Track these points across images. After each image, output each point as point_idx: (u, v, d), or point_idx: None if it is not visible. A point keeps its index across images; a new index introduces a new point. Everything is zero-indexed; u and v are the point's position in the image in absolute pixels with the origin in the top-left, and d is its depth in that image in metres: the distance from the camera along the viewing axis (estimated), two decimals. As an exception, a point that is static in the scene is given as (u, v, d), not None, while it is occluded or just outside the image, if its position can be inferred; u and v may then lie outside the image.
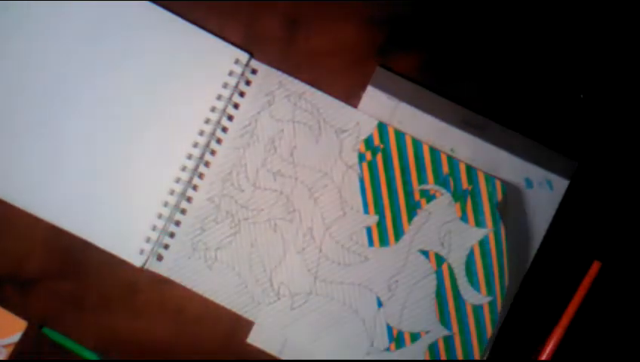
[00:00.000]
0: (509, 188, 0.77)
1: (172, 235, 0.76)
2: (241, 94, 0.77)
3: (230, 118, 0.77)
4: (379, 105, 0.78)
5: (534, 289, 0.78)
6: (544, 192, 0.78)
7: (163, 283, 0.77)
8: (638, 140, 0.79)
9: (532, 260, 0.78)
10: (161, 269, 0.76)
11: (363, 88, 0.78)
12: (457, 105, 0.78)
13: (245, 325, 0.77)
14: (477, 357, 0.76)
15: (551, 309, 0.78)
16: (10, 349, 0.75)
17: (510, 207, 0.77)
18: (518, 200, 0.78)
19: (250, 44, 0.78)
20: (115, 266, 0.76)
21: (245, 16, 0.78)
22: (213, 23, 0.78)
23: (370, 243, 0.77)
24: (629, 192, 0.79)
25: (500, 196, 0.76)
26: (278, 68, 0.77)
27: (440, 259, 0.76)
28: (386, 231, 0.76)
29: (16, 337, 0.75)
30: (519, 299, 0.77)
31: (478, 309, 0.76)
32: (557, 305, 0.78)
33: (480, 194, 0.76)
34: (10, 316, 0.76)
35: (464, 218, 0.76)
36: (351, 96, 0.78)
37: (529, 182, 0.78)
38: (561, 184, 0.78)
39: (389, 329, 0.76)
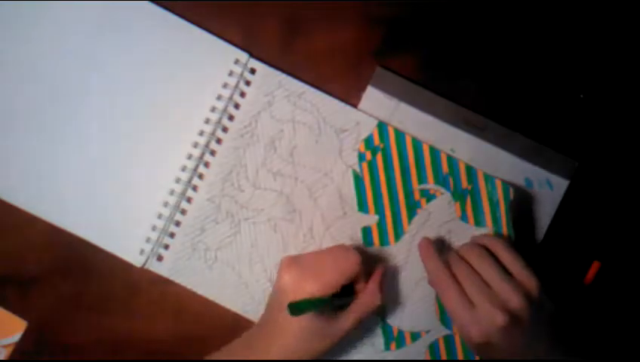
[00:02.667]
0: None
1: (172, 235, 0.76)
2: (242, 94, 0.77)
3: (230, 117, 0.77)
4: (379, 105, 0.78)
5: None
6: (544, 192, 0.78)
7: (163, 283, 0.76)
8: (638, 140, 0.79)
9: (532, 260, 0.78)
10: (161, 269, 0.76)
11: (363, 88, 0.78)
12: (457, 105, 0.78)
13: (245, 325, 0.76)
14: (477, 357, 0.76)
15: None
16: (10, 349, 0.75)
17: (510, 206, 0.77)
18: (518, 200, 0.78)
19: (250, 45, 0.78)
20: (116, 266, 0.76)
21: (245, 16, 0.78)
22: (213, 23, 0.77)
23: (371, 242, 0.76)
24: (629, 192, 0.79)
25: (500, 195, 0.76)
26: (278, 68, 0.77)
27: None
28: (386, 230, 0.76)
29: (16, 337, 0.75)
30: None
31: None
32: (556, 304, 0.78)
33: (479, 194, 0.76)
34: (10, 316, 0.75)
35: (464, 217, 0.76)
36: (351, 96, 0.78)
37: (529, 182, 0.78)
38: (561, 184, 0.78)
39: (390, 328, 0.76)
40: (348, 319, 0.70)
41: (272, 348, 0.68)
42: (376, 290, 0.71)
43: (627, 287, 0.79)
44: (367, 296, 0.71)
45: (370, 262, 0.75)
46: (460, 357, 0.76)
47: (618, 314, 0.79)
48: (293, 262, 0.70)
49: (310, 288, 0.68)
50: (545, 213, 0.78)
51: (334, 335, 0.69)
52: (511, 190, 0.76)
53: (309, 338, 0.68)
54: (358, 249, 0.73)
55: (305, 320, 0.67)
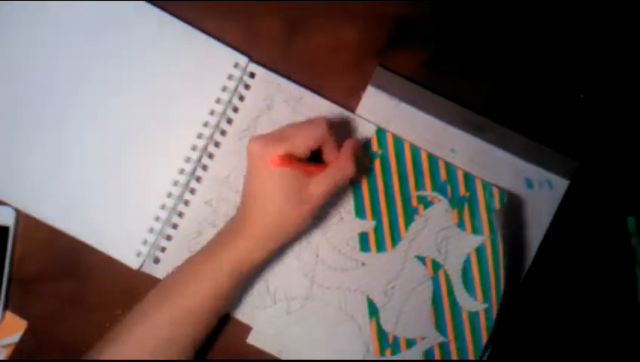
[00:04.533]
0: (508, 189, 0.77)
1: (169, 238, 0.76)
2: (241, 98, 0.77)
3: (229, 121, 0.77)
4: (379, 105, 0.78)
5: (534, 289, 0.78)
6: (544, 192, 0.78)
7: (162, 284, 0.77)
8: (638, 140, 0.79)
9: (532, 260, 0.78)
10: (157, 272, 0.76)
11: (363, 88, 0.78)
12: (457, 105, 0.78)
13: (245, 325, 0.77)
14: None
15: (551, 309, 0.78)
16: (10, 349, 0.76)
17: (510, 207, 0.77)
18: (518, 200, 0.78)
19: (250, 45, 0.77)
20: (115, 267, 0.77)
21: (244, 17, 0.77)
22: (213, 24, 0.77)
23: (367, 248, 0.77)
24: (629, 192, 0.79)
25: (497, 203, 0.76)
26: (278, 69, 0.77)
27: (436, 266, 0.76)
28: (382, 236, 0.76)
29: (16, 337, 0.76)
30: (519, 299, 0.78)
31: (473, 316, 0.76)
32: (557, 304, 0.78)
33: (477, 201, 0.76)
34: (10, 316, 0.76)
35: (461, 225, 0.76)
36: (351, 96, 0.78)
37: (529, 182, 0.78)
38: (561, 184, 0.78)
39: (385, 334, 0.77)
40: (321, 184, 0.69)
41: (255, 220, 0.69)
42: (347, 159, 0.70)
43: (627, 287, 0.79)
44: (339, 164, 0.70)
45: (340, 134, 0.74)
46: (455, 364, 0.77)
47: (617, 313, 0.79)
48: (260, 135, 0.70)
49: (279, 150, 0.67)
50: (545, 213, 0.78)
51: (309, 201, 0.69)
52: (505, 197, 0.76)
53: (284, 200, 0.68)
54: (328, 121, 0.71)
55: (280, 181, 0.68)
